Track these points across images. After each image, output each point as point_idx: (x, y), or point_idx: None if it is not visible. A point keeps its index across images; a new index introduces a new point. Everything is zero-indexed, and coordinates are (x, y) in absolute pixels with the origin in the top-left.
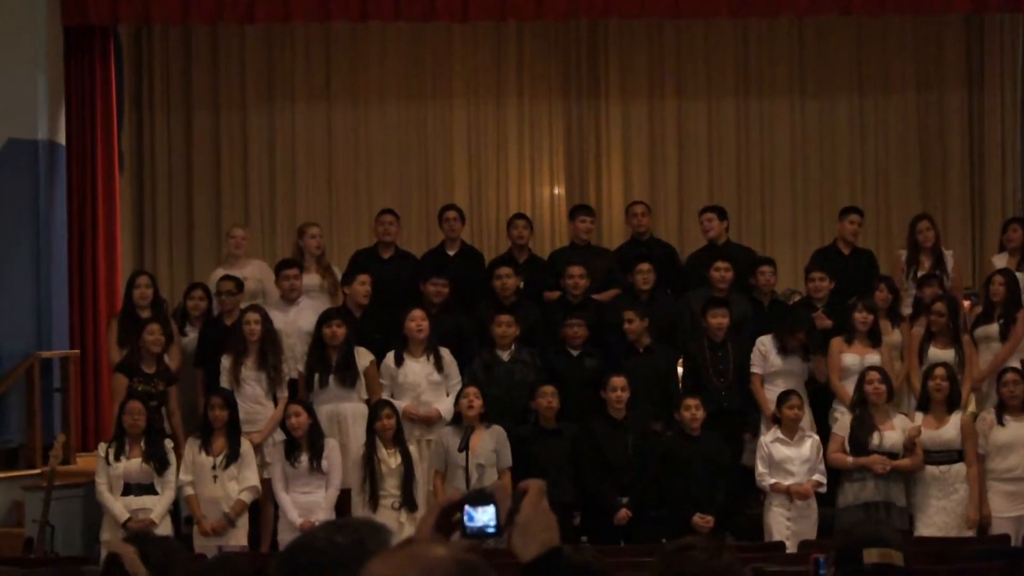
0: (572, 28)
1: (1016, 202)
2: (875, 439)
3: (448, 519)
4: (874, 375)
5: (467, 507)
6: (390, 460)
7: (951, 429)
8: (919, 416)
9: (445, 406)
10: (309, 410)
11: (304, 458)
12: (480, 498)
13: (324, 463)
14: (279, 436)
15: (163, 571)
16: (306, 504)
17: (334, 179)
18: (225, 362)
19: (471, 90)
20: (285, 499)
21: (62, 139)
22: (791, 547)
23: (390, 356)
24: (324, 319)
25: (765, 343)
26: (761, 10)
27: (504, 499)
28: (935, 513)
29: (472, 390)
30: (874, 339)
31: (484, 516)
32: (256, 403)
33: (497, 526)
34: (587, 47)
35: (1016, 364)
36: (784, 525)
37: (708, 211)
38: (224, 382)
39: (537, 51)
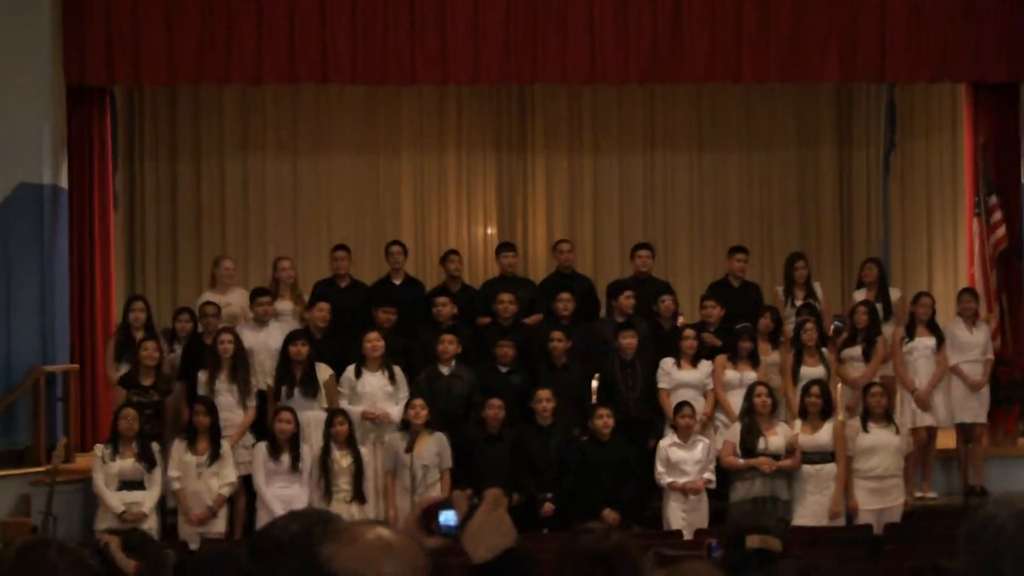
0: (503, 92)
1: (878, 243)
2: (762, 443)
3: (430, 518)
4: (762, 389)
5: (442, 509)
6: (342, 460)
7: (824, 434)
8: (799, 423)
9: (395, 412)
10: (296, 419)
11: (285, 458)
12: (450, 503)
13: (301, 463)
14: (248, 439)
15: (141, 557)
16: (286, 497)
17: (299, 219)
18: (202, 376)
19: (416, 144)
20: (268, 493)
21: (64, 183)
22: (687, 535)
23: (351, 370)
24: (290, 339)
25: (667, 363)
26: (665, 76)
27: (461, 506)
28: (810, 505)
29: (419, 401)
30: (753, 360)
31: (451, 518)
32: (228, 411)
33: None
34: (516, 108)
35: (877, 379)
36: (680, 516)
37: (643, 248)
38: (202, 393)
39: (473, 111)
